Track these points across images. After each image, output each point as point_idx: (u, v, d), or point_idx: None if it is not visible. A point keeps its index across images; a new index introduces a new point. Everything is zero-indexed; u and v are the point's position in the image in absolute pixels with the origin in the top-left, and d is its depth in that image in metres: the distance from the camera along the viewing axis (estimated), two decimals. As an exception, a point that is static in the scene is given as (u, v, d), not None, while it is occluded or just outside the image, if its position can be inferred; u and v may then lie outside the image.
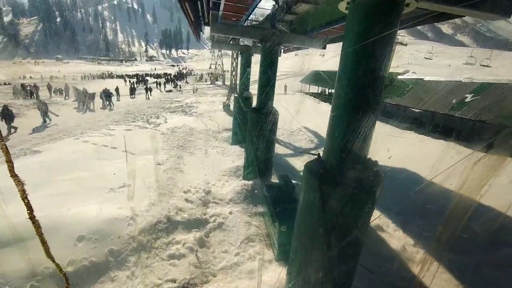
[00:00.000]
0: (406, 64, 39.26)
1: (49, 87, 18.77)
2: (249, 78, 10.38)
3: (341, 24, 4.58)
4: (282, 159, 8.91)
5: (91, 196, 5.27)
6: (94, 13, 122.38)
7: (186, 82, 36.10)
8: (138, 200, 5.49)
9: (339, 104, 2.55)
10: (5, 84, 27.57)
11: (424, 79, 11.10)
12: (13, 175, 1.44)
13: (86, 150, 7.86)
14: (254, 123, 6.49)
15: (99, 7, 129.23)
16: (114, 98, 18.74)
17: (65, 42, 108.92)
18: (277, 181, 7.09)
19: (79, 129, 10.18)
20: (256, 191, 6.38)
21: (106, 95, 14.98)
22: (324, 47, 6.59)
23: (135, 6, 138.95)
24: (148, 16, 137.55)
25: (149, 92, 20.67)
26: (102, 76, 48.84)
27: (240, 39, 10.15)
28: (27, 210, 1.45)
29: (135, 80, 35.97)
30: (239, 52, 10.58)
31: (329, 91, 21.40)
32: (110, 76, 52.83)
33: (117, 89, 20.44)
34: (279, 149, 9.84)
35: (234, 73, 15.36)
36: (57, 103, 15.46)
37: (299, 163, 8.34)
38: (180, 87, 30.00)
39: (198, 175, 7.20)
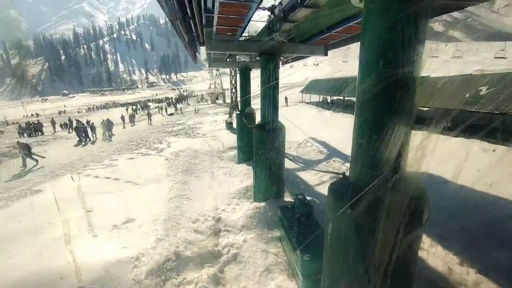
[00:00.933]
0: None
1: (53, 123, 18.91)
2: (250, 94, 10.12)
3: (344, 26, 4.27)
4: (293, 175, 8.42)
5: (92, 237, 4.83)
6: (95, 48, 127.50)
7: (187, 103, 36.43)
8: (144, 236, 5.03)
9: (363, 113, 2.12)
10: (13, 123, 28.12)
11: (430, 76, 10.68)
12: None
13: (89, 185, 7.50)
14: (260, 140, 6.08)
15: (100, 42, 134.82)
16: (117, 127, 18.76)
17: (70, 78, 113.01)
18: (291, 199, 6.58)
19: (81, 163, 9.90)
20: (270, 213, 5.86)
21: (107, 125, 14.86)
22: (326, 54, 6.28)
23: (134, 37, 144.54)
24: (147, 45, 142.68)
25: (150, 117, 20.65)
26: (105, 106, 49.84)
27: (237, 56, 10.00)
28: None
29: (134, 107, 36.43)
30: (237, 69, 10.39)
31: (331, 99, 21.08)
32: (114, 105, 54.05)
33: (122, 118, 20.58)
34: (288, 164, 9.36)
35: (234, 90, 15.24)
36: (61, 138, 15.42)
37: (311, 178, 7.83)
38: (181, 110, 30.17)
39: (206, 201, 6.74)
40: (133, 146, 12.19)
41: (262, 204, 6.12)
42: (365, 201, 2.09)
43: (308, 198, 5.45)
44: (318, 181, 7.71)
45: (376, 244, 2.06)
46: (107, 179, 7.95)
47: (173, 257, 4.45)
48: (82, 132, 14.12)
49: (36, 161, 10.56)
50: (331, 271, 2.69)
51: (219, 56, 9.57)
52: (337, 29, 4.62)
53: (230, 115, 15.49)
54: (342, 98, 19.33)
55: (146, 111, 24.38)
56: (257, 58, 6.04)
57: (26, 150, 10.48)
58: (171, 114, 28.49)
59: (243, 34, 6.52)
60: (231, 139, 12.92)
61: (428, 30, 1.88)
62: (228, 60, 9.81)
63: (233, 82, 14.93)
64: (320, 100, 22.81)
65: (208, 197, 7.01)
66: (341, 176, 2.53)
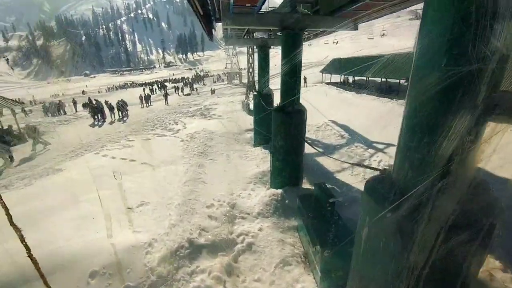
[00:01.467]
0: None
1: (74, 102, 19.37)
2: (269, 73, 9.51)
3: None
4: (311, 160, 7.97)
5: (109, 219, 4.79)
6: (114, 28, 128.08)
7: (204, 84, 36.04)
8: (157, 220, 4.93)
9: (417, 114, 1.63)
10: (40, 103, 29.31)
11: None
12: (12, 224, 1.59)
13: (106, 165, 7.53)
14: (279, 123, 5.64)
15: (118, 22, 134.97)
16: (135, 107, 18.90)
17: (91, 58, 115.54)
18: (310, 187, 6.21)
19: (99, 143, 10.01)
20: (287, 201, 5.55)
21: (122, 105, 14.87)
22: (356, 28, 5.54)
23: (150, 16, 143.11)
24: (163, 24, 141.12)
25: (166, 98, 20.55)
26: (124, 87, 50.62)
27: (255, 32, 9.31)
28: (26, 250, 1.63)
29: (151, 87, 36.59)
30: (255, 47, 9.74)
31: (354, 79, 19.76)
32: (132, 85, 54.78)
33: (140, 98, 20.64)
34: (307, 148, 8.90)
35: (251, 70, 14.56)
36: (81, 117, 15.76)
37: (331, 165, 7.35)
38: (197, 90, 29.87)
39: (221, 185, 6.54)
40: (149, 127, 12.17)
41: (279, 191, 5.81)
42: (415, 206, 1.66)
43: (330, 187, 5.05)
44: (339, 168, 7.24)
45: (426, 260, 1.66)
46: (123, 160, 7.94)
47: (187, 244, 4.31)
48: (98, 112, 14.29)
49: (45, 144, 10.24)
50: (360, 276, 2.35)
51: (236, 33, 8.93)
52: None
53: (247, 96, 14.98)
54: (365, 78, 18.06)
55: (163, 91, 24.28)
56: (278, 33, 5.43)
57: (36, 134, 10.07)
58: (188, 95, 28.33)
59: (263, 8, 5.85)
60: (248, 121, 12.52)
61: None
62: (245, 37, 9.16)
63: (250, 61, 14.22)
64: (341, 80, 21.52)
65: (224, 181, 6.81)
66: (380, 172, 2.10)
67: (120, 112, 14.71)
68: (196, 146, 9.25)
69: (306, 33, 5.77)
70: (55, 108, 17.92)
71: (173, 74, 72.23)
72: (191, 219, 4.97)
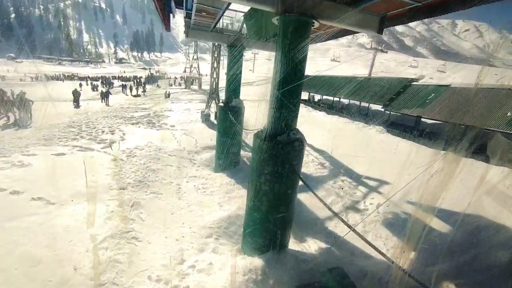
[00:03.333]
0: (380, 72, 39.36)
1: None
2: (240, 80, 7.47)
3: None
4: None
5: None
6: (54, 11, 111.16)
7: (158, 86, 31.97)
8: None
9: None
10: None
11: (451, 85, 9.10)
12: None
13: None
14: (266, 157, 3.56)
15: (61, 4, 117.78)
16: (65, 105, 14.68)
17: (21, 40, 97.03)
18: (301, 250, 4.23)
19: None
20: (272, 282, 3.44)
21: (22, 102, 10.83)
22: (380, 32, 3.98)
23: (103, 6, 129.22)
24: (118, 17, 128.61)
25: (106, 97, 16.63)
26: (58, 78, 42.56)
27: (227, 25, 7.26)
28: None
29: (91, 83, 30.99)
30: (225, 46, 7.65)
31: (320, 98, 19.11)
32: (70, 78, 46.64)
33: (74, 93, 16.21)
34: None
35: (215, 75, 12.31)
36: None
37: (321, 209, 5.54)
38: (144, 92, 26.02)
39: (164, 245, 4.10)
40: (71, 135, 8.77)
41: (258, 260, 3.68)
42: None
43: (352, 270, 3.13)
44: (332, 215, 5.47)
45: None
46: (2, 191, 4.79)
47: None
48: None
49: None
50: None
51: (202, 23, 6.72)
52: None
53: (208, 105, 12.65)
54: (332, 99, 17.48)
55: (105, 89, 19.97)
56: (275, 19, 3.47)
57: None
58: (137, 96, 24.32)
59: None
60: (207, 135, 10.17)
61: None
62: (214, 31, 7.01)
63: (215, 64, 12.01)
64: (308, 98, 20.79)
65: (169, 236, 4.37)
66: None
67: (22, 112, 10.61)
68: (134, 169, 6.52)
69: (314, 26, 3.85)
70: None
71: (124, 72, 64.62)
72: None
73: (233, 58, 7.18)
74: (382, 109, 11.33)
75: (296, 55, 3.38)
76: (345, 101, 16.07)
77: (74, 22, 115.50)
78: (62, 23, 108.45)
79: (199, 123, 11.83)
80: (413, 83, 10.97)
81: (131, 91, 26.35)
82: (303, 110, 15.91)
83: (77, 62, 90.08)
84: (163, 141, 8.89)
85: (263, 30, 6.12)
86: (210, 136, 9.96)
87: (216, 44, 11.65)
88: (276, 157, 3.48)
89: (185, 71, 34.58)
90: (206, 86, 33.14)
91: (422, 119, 10.11)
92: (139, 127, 10.54)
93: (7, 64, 68.70)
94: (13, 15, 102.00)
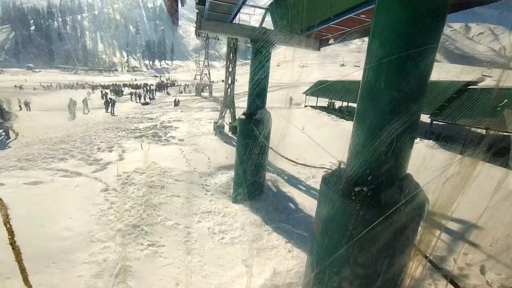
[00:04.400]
0: None
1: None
2: (266, 86, 5.72)
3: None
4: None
5: None
6: (72, 23, 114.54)
7: (167, 93, 30.80)
8: None
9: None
10: None
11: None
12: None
13: None
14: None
15: (79, 17, 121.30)
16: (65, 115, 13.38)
17: (39, 51, 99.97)
18: None
19: None
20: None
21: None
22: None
23: (118, 17, 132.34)
24: (131, 27, 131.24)
25: (112, 105, 15.25)
26: (72, 86, 42.35)
27: (250, 19, 5.58)
28: (8, 235, 1.35)
29: (101, 91, 30.10)
30: (247, 43, 5.96)
31: (342, 105, 17.14)
32: (82, 86, 46.64)
33: (84, 101, 15.23)
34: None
35: (230, 80, 10.62)
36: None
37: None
38: (150, 99, 24.77)
39: None
40: (60, 152, 7.21)
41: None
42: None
43: None
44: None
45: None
46: None
47: None
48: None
49: None
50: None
51: (218, 13, 5.06)
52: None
53: (222, 115, 10.97)
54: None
55: (107, 98, 18.69)
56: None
57: None
58: (145, 104, 23.07)
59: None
60: (222, 151, 8.46)
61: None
62: (233, 21, 5.33)
63: (230, 68, 10.35)
64: (328, 105, 18.88)
65: None
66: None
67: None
68: (129, 205, 4.80)
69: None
70: None
71: (136, 79, 64.62)
72: None
73: (258, 57, 5.45)
74: (429, 119, 9.32)
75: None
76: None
77: (90, 33, 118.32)
78: (79, 34, 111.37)
79: (212, 136, 10.12)
80: (470, 86, 8.92)
81: (139, 99, 25.21)
82: (326, 119, 14.02)
83: (91, 71, 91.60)
84: (170, 160, 7.21)
85: (291, 22, 4.77)
86: (225, 153, 8.24)
87: (232, 44, 10.01)
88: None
89: (195, 78, 33.42)
90: (216, 93, 31.70)
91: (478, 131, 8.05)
92: (142, 141, 8.92)
93: (26, 74, 70.31)
94: (33, 27, 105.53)
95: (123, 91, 32.86)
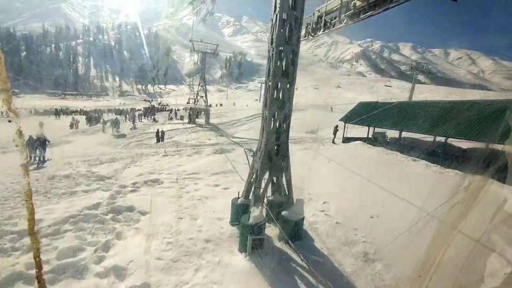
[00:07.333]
0: (390, 99, 32.58)
1: None
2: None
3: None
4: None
5: None
6: (65, 48, 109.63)
7: (155, 120, 24.45)
8: None
9: None
10: None
11: None
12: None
13: None
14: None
15: (73, 43, 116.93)
16: None
17: (29, 77, 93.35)
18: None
19: None
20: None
21: None
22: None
23: (112, 43, 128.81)
24: (125, 53, 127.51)
25: (40, 151, 8.49)
26: (52, 112, 35.19)
27: None
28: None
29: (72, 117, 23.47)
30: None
31: (401, 136, 11.27)
32: (65, 112, 40.04)
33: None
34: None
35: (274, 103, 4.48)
36: None
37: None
38: (131, 129, 18.41)
39: None
40: None
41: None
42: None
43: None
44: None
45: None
46: None
47: None
48: None
49: None
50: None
51: None
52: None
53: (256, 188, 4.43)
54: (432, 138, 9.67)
55: (34, 139, 12.07)
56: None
57: None
58: (122, 136, 16.62)
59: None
60: None
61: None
62: None
63: (269, 82, 4.33)
64: (372, 136, 12.98)
65: None
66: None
67: None
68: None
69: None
70: None
71: (124, 104, 58.34)
72: None
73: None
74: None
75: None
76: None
77: (83, 59, 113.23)
78: (71, 59, 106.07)
79: (239, 259, 3.70)
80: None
81: (118, 128, 18.77)
82: (387, 158, 7.93)
83: (81, 96, 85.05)
84: None
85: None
86: None
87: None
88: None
89: (188, 102, 27.36)
90: (214, 119, 25.57)
91: None
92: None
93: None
94: (24, 53, 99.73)
95: (101, 118, 26.30)
